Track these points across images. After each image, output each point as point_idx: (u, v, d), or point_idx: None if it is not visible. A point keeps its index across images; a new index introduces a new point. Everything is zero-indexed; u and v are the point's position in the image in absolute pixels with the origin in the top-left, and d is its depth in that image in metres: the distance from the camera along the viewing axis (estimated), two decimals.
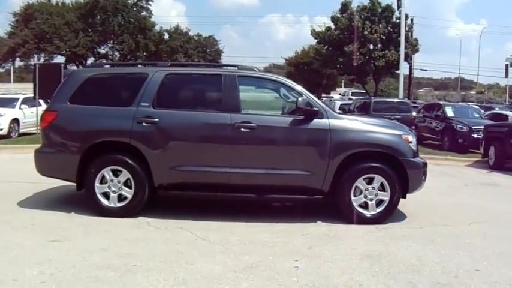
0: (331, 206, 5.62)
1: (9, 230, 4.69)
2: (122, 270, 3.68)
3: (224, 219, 5.33)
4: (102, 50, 36.02)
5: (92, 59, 35.02)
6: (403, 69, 24.05)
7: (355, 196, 5.39)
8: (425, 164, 5.66)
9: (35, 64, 15.20)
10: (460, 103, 21.66)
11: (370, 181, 5.39)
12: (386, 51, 25.45)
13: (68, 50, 29.87)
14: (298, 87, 5.62)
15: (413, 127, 13.30)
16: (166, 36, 38.17)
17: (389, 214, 5.49)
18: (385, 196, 5.40)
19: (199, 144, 5.33)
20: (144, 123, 5.26)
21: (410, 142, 5.56)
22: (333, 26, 27.20)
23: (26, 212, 5.46)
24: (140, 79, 5.46)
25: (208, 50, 47.79)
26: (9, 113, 14.36)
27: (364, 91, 34.84)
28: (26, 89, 22.21)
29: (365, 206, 5.42)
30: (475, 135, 12.98)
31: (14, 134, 14.28)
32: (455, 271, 3.95)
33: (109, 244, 4.30)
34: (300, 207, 5.87)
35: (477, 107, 20.01)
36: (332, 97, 36.63)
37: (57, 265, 3.73)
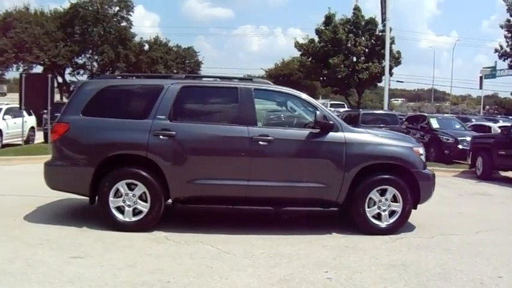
0: (341, 217, 5.69)
1: (24, 246, 4.54)
2: (157, 287, 3.62)
3: (239, 232, 5.32)
4: (80, 60, 35.41)
5: (70, 69, 34.42)
6: (385, 81, 24.66)
7: (369, 207, 5.48)
8: (434, 176, 5.82)
9: (21, 74, 14.85)
10: (444, 115, 22.28)
11: (383, 192, 5.50)
12: (370, 64, 26.09)
13: (47, 60, 29.17)
14: (313, 101, 5.71)
15: None
16: (146, 47, 37.85)
17: (402, 224, 5.61)
18: (398, 207, 5.52)
19: (217, 157, 5.32)
20: (161, 136, 5.21)
21: (421, 154, 5.72)
22: (316, 39, 27.71)
23: (35, 227, 5.31)
24: (155, 91, 5.42)
25: (187, 61, 47.68)
26: None
27: (342, 102, 35.52)
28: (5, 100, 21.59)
29: (378, 217, 5.52)
30: (461, 146, 13.42)
31: None
32: (480, 278, 4.08)
33: (134, 260, 4.23)
34: (309, 219, 5.92)
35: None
36: None
37: (89, 283, 3.64)
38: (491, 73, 46.93)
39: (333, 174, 5.37)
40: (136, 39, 36.80)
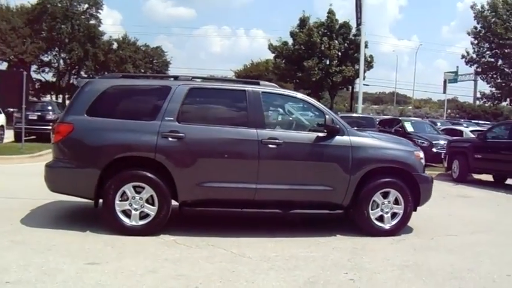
0: (340, 219, 5.81)
1: (32, 252, 4.34)
2: None
3: (245, 234, 5.30)
4: (46, 58, 34.15)
5: (35, 66, 33.09)
6: (356, 85, 25.31)
7: (372, 210, 5.61)
8: (432, 179, 6.04)
9: None
10: (416, 119, 23.04)
11: (385, 195, 5.65)
12: (344, 67, 26.66)
13: (13, 56, 27.90)
14: (320, 105, 5.79)
15: None
16: (115, 46, 36.99)
17: (404, 226, 5.78)
18: (399, 209, 5.68)
19: (226, 159, 5.28)
20: (170, 138, 5.13)
21: (422, 158, 5.92)
22: (291, 41, 28.03)
23: (37, 231, 5.08)
24: (162, 92, 5.33)
25: (155, 61, 47.02)
26: None
27: None
28: None
29: (380, 219, 5.66)
30: (435, 150, 13.93)
31: None
32: (491, 276, 4.29)
33: (152, 265, 4.13)
34: (307, 221, 5.97)
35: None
36: None
37: None
38: (454, 78, 49.23)
39: (340, 177, 5.46)
40: (106, 37, 36.00)
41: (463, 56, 25.70)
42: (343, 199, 5.52)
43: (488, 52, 24.85)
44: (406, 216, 5.73)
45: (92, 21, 33.80)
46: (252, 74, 47.17)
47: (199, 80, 5.86)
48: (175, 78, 5.70)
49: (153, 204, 5.11)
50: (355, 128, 6.61)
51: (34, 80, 34.68)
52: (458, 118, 40.31)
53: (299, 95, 5.90)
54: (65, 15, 31.03)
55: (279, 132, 5.45)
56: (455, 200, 9.11)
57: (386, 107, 61.09)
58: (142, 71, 40.06)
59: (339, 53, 27.44)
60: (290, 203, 5.44)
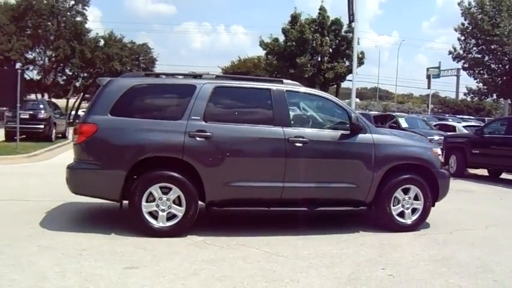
0: (358, 215, 5.91)
1: (64, 257, 4.24)
2: None
3: (270, 233, 5.31)
4: (30, 55, 33.35)
5: (20, 64, 32.24)
6: (347, 81, 25.52)
7: (393, 206, 5.70)
8: (449, 175, 6.16)
9: None
10: (409, 114, 23.38)
11: (406, 191, 5.74)
12: (336, 64, 26.81)
13: None
14: (343, 103, 5.84)
15: None
16: (101, 43, 36.35)
17: (423, 221, 5.90)
18: (419, 205, 5.79)
19: (254, 158, 5.28)
20: (197, 138, 5.09)
21: (439, 155, 6.03)
22: (282, 38, 28.03)
23: (61, 235, 4.98)
24: (188, 91, 5.28)
25: (141, 58, 46.44)
26: None
27: None
28: None
29: (401, 215, 5.75)
30: None
31: None
32: None
33: (192, 268, 4.10)
34: (325, 218, 6.01)
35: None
36: None
37: None
38: (437, 73, 50.16)
39: (363, 175, 5.53)
40: (92, 34, 35.35)
41: (450, 52, 26.12)
42: (367, 196, 5.59)
43: (475, 48, 25.31)
44: (426, 212, 5.84)
45: (78, 18, 33.14)
46: (239, 70, 47.07)
47: (222, 78, 5.82)
48: (199, 76, 5.66)
49: (180, 205, 5.08)
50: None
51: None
52: (442, 113, 41.11)
53: (322, 93, 5.94)
54: (50, 12, 30.34)
55: (304, 130, 5.47)
56: (458, 195, 9.25)
57: (370, 102, 61.57)
58: (129, 68, 39.51)
59: (331, 50, 27.58)
60: (316, 201, 5.48)
